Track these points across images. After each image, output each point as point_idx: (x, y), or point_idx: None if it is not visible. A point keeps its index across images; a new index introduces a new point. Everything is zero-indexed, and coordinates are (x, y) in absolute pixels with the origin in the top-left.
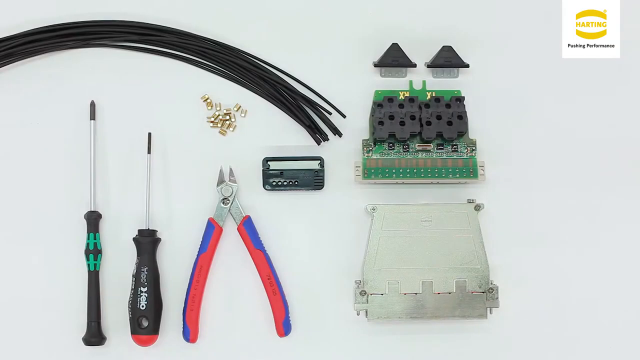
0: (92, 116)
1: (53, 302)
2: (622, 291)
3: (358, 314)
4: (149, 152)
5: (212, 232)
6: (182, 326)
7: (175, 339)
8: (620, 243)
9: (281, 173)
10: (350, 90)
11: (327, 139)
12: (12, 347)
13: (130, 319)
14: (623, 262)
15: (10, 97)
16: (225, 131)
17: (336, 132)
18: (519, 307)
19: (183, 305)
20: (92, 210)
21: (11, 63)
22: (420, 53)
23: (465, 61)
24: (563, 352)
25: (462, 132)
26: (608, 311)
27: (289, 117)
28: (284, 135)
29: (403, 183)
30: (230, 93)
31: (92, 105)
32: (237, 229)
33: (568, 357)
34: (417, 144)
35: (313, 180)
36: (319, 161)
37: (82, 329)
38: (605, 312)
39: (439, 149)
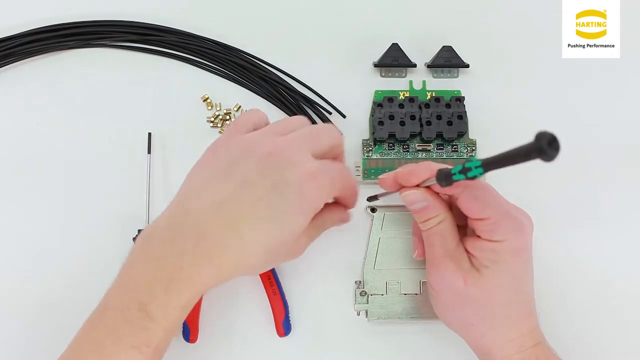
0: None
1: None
2: (623, 291)
3: (358, 314)
4: (149, 152)
5: None
6: (182, 326)
7: (175, 338)
8: (620, 242)
9: None
10: (350, 90)
11: None
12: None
13: None
14: (624, 262)
15: (10, 97)
16: None
17: None
18: None
19: None
20: None
21: (11, 63)
22: (420, 53)
23: (465, 61)
24: (563, 351)
25: (462, 132)
26: (609, 310)
27: (289, 117)
28: None
29: None
30: (230, 93)
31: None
32: None
33: (569, 355)
34: (417, 144)
35: None
36: None
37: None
38: (606, 311)
39: (439, 149)
